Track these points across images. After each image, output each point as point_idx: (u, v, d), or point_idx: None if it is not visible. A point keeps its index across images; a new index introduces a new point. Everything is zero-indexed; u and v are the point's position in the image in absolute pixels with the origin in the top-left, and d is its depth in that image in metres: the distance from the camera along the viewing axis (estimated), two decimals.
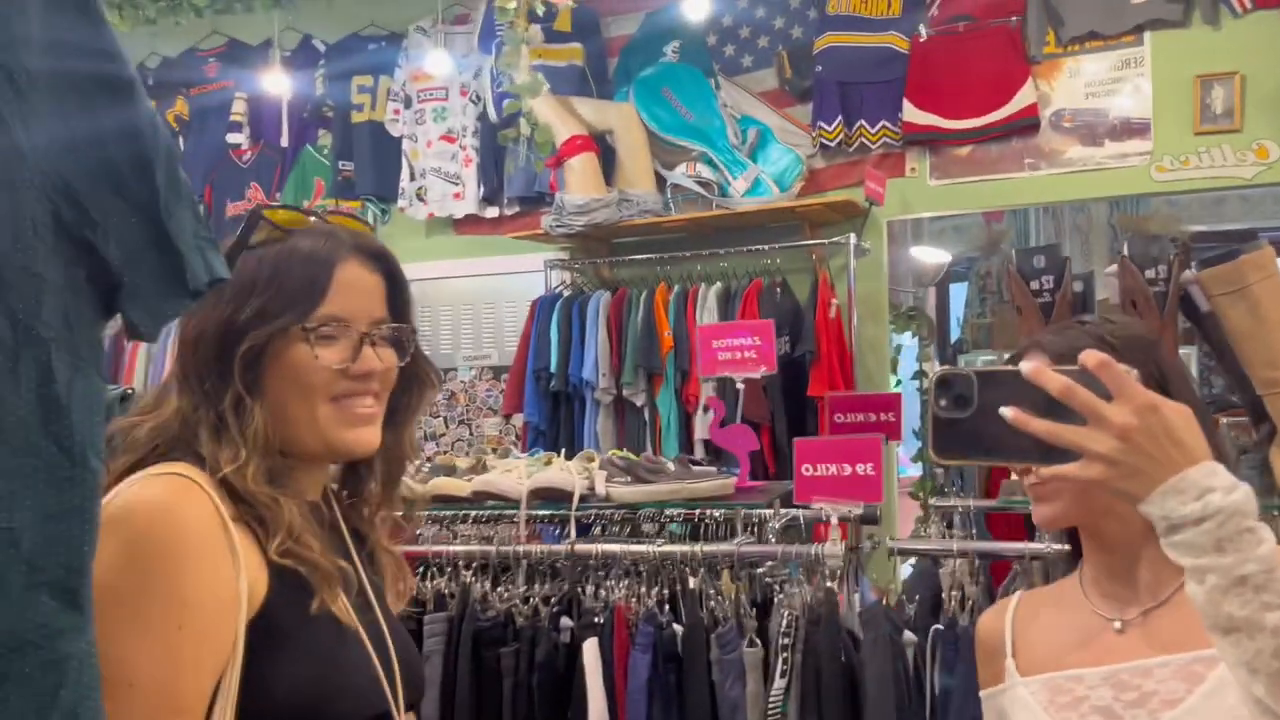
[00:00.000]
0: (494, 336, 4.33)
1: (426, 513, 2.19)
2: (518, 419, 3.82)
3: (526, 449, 3.68)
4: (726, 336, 2.25)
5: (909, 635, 1.82)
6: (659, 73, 3.82)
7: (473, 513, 2.15)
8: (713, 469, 2.28)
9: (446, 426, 4.35)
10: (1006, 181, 3.56)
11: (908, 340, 3.94)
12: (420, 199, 4.22)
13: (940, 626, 1.79)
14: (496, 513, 2.15)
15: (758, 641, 1.82)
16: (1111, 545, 1.12)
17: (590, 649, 1.85)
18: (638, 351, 3.52)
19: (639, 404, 3.56)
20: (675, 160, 3.75)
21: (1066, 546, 1.29)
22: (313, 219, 1.09)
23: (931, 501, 2.37)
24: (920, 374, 3.90)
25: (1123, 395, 0.83)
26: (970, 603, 1.83)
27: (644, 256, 3.76)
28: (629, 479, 2.06)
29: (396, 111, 4.25)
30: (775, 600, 1.87)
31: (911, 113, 3.57)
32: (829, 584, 1.78)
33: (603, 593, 1.94)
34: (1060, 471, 0.86)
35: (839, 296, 3.54)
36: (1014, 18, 3.51)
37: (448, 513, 2.17)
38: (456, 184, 4.17)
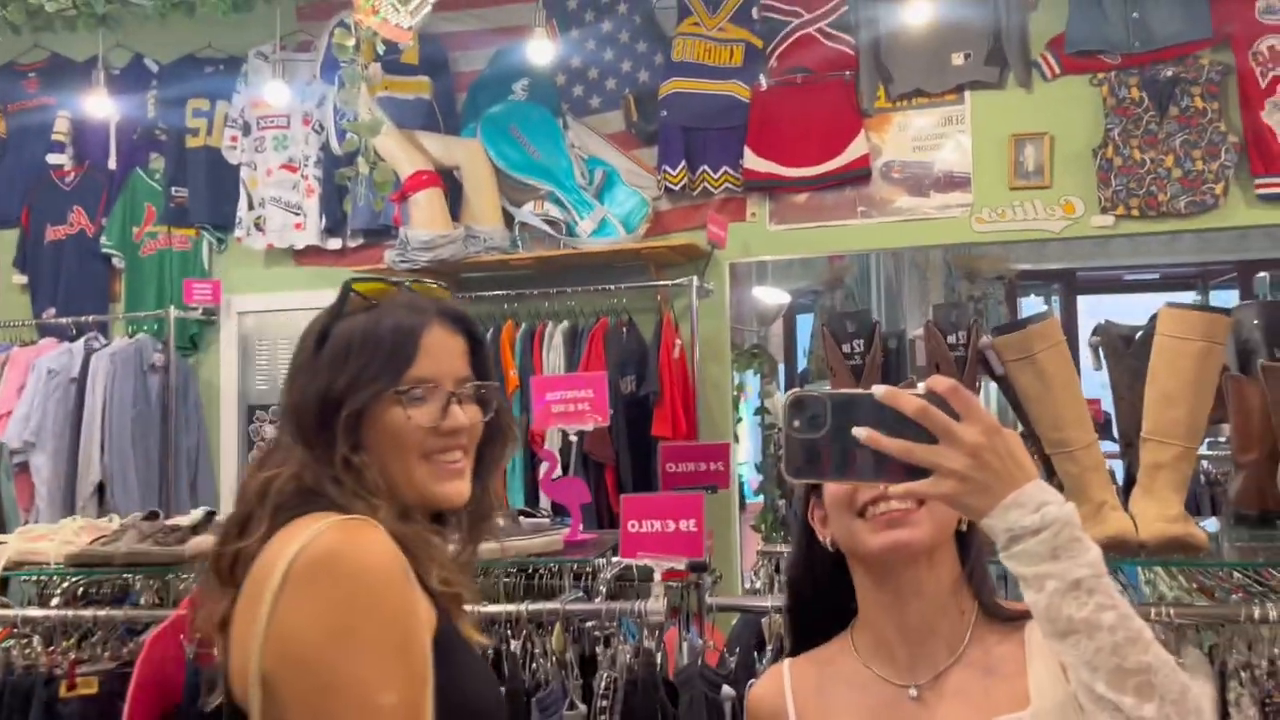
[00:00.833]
0: None
1: None
2: None
3: None
4: (560, 389, 2.26)
5: (727, 690, 1.86)
6: (507, 110, 3.83)
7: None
8: (546, 520, 2.28)
9: None
10: (841, 227, 3.72)
11: (750, 377, 4.05)
12: (259, 228, 4.08)
13: (752, 687, 1.83)
14: None
15: (579, 705, 1.82)
16: (920, 590, 1.10)
17: None
18: None
19: None
20: (523, 198, 3.75)
21: None
22: (396, 288, 1.17)
23: (759, 548, 2.43)
24: (761, 409, 4.00)
25: (971, 416, 0.89)
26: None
27: (491, 293, 3.74)
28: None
29: (234, 138, 4.11)
30: (599, 658, 1.88)
31: (752, 160, 3.69)
32: (647, 643, 1.80)
33: None
34: (913, 489, 0.91)
35: (683, 336, 3.60)
36: (848, 72, 3.67)
37: None
38: (298, 214, 4.06)
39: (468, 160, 3.75)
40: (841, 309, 2.24)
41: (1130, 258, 4.36)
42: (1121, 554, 1.77)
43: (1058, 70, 3.54)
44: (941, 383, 0.90)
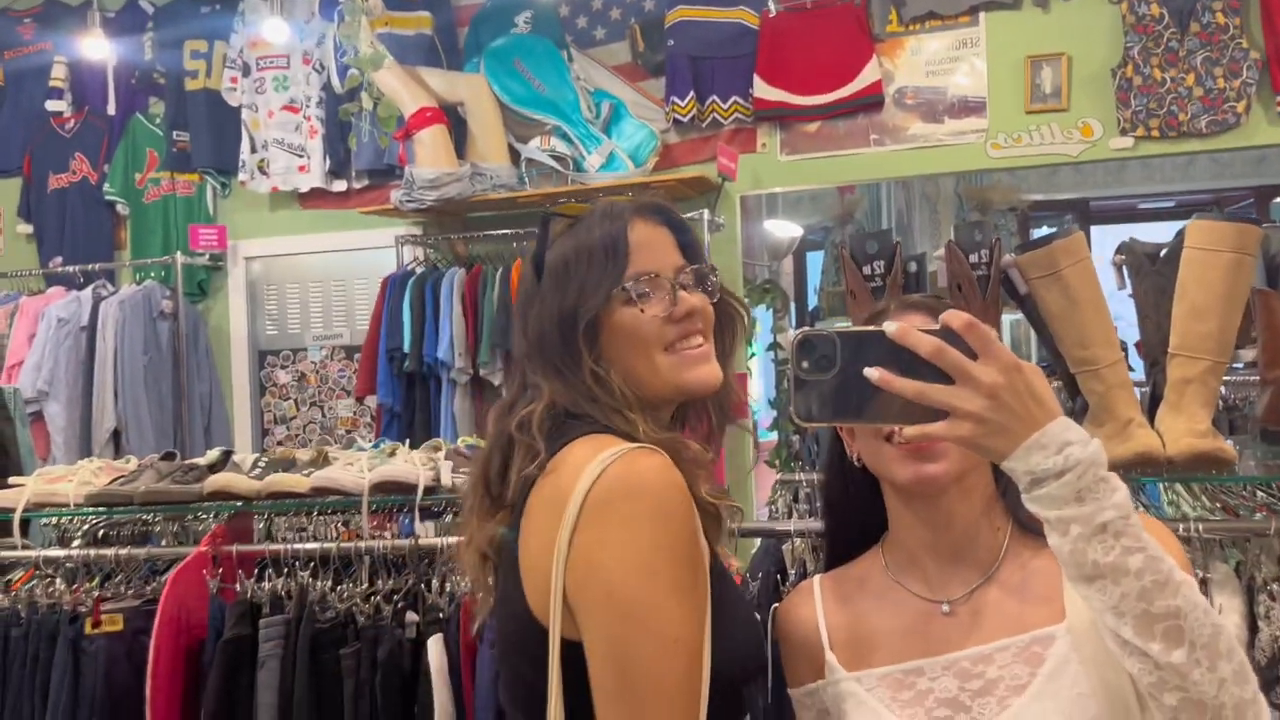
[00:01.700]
0: (345, 315, 4.19)
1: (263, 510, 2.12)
2: (372, 401, 3.72)
3: (381, 431, 3.59)
4: None
5: None
6: (510, 44, 3.74)
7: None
8: None
9: (298, 409, 4.20)
10: (854, 157, 3.65)
11: (762, 312, 4.01)
12: (263, 171, 4.03)
13: (779, 605, 1.82)
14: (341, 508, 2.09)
15: None
16: (951, 519, 1.09)
17: (435, 645, 1.82)
18: (494, 330, 3.46)
19: (496, 384, 3.52)
20: (529, 134, 3.68)
21: None
22: (588, 205, 1.20)
23: (777, 477, 2.42)
24: (774, 345, 3.98)
25: (988, 355, 0.84)
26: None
27: (499, 232, 3.70)
28: None
29: (234, 80, 4.04)
30: None
31: (762, 89, 3.61)
32: None
33: (449, 587, 1.90)
34: (927, 431, 0.85)
35: None
36: None
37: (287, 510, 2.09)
38: (301, 156, 4.00)
39: (472, 96, 3.68)
40: (852, 245, 2.21)
41: (1144, 185, 4.28)
42: (1149, 471, 1.75)
43: None
44: (957, 318, 0.84)
